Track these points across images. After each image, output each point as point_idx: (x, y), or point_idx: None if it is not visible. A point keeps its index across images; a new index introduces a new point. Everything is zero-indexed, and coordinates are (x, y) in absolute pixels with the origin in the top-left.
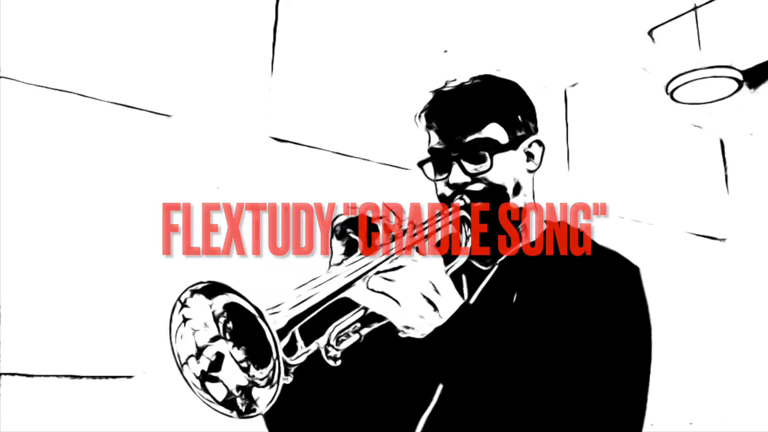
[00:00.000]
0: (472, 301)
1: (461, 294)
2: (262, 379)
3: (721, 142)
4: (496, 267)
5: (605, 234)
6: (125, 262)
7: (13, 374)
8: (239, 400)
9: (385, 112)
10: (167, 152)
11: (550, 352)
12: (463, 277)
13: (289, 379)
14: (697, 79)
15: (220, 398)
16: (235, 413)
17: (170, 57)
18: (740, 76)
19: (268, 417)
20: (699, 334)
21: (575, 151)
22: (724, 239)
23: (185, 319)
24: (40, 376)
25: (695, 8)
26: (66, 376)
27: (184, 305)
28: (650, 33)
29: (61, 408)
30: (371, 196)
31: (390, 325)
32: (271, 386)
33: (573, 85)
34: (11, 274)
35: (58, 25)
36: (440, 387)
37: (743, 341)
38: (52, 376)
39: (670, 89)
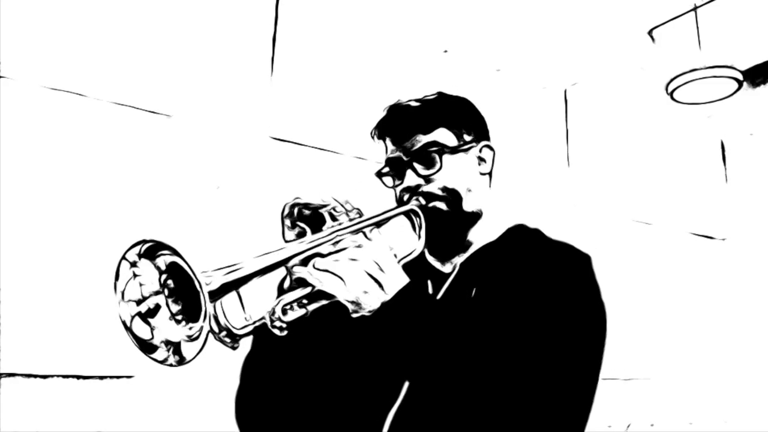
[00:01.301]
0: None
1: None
2: (192, 334)
3: (721, 142)
4: (457, 269)
5: (605, 234)
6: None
7: (13, 374)
8: (162, 349)
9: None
10: (167, 152)
11: (505, 342)
12: (429, 282)
13: (236, 346)
14: (697, 79)
15: (143, 338)
16: (165, 359)
17: (170, 57)
18: (740, 76)
19: (240, 414)
20: (699, 334)
21: (575, 151)
22: (724, 239)
23: (135, 275)
24: (40, 376)
25: (695, 8)
26: (66, 376)
27: (132, 264)
28: (650, 33)
29: (61, 408)
30: (371, 196)
31: (349, 316)
32: (199, 338)
33: (573, 85)
34: (11, 274)
35: (58, 25)
36: (407, 382)
37: (743, 341)
38: (53, 376)
39: (670, 89)
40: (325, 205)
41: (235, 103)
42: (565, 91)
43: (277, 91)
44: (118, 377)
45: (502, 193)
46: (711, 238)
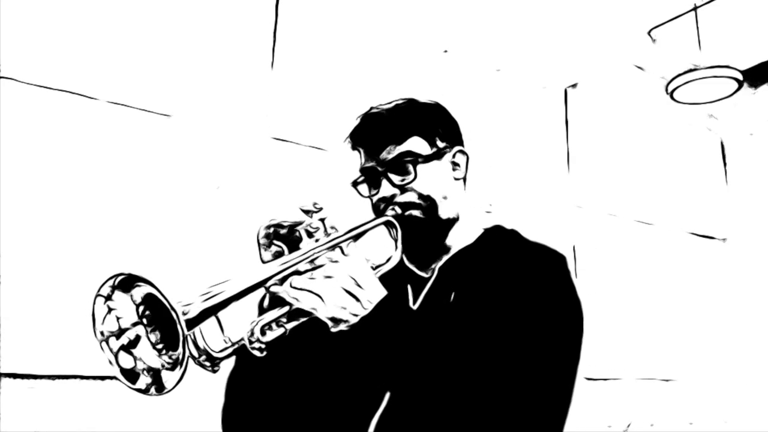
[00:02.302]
0: (415, 306)
1: (407, 302)
2: (172, 363)
3: (721, 142)
4: (435, 274)
5: (606, 234)
6: (125, 262)
7: (13, 375)
8: (143, 377)
9: None
10: (167, 152)
11: (483, 345)
12: (408, 287)
13: (217, 370)
14: (697, 79)
15: (127, 367)
16: (146, 388)
17: (170, 57)
18: (740, 76)
19: (225, 421)
20: (699, 334)
21: (575, 151)
22: (724, 239)
23: (110, 309)
24: (41, 376)
25: (695, 8)
26: (66, 376)
27: (107, 298)
28: (650, 33)
29: (61, 408)
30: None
31: (328, 329)
32: (180, 367)
33: (573, 85)
34: (11, 274)
35: (58, 25)
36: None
37: (743, 341)
38: (53, 376)
39: (670, 89)
40: (300, 223)
41: (235, 103)
42: (565, 91)
43: (278, 91)
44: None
45: (502, 193)
46: (711, 238)
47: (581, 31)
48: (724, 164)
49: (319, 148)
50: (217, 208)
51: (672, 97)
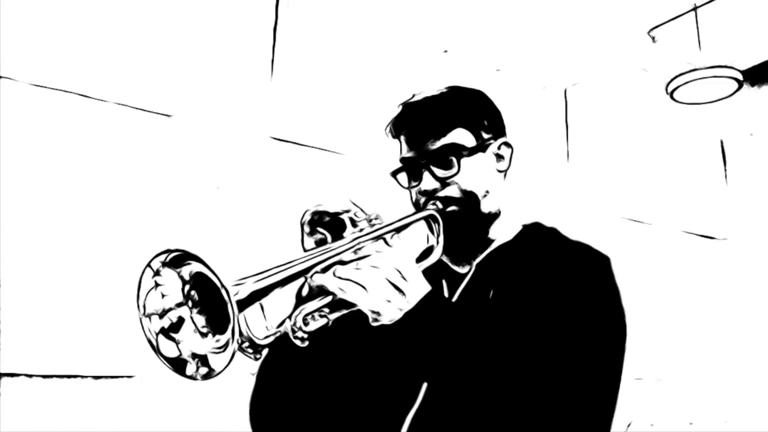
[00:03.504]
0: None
1: (447, 297)
2: (220, 347)
3: (721, 142)
4: (473, 269)
5: (606, 234)
6: (125, 261)
7: (13, 374)
8: (192, 365)
9: (385, 112)
10: (167, 152)
11: (525, 344)
12: (444, 282)
13: (259, 357)
14: (697, 79)
15: (171, 356)
16: (193, 374)
17: (170, 57)
18: (740, 76)
19: (256, 417)
20: (699, 334)
21: (575, 151)
22: (724, 239)
23: (156, 285)
24: (41, 376)
25: (695, 8)
26: (66, 376)
27: (156, 273)
28: (650, 33)
29: (61, 408)
30: (371, 196)
31: (365, 320)
32: (226, 350)
33: (573, 85)
34: (11, 274)
35: (58, 25)
36: (425, 385)
37: (743, 341)
38: (53, 376)
39: (670, 89)
40: (346, 211)
41: (235, 103)
42: (565, 91)
43: (277, 91)
44: (118, 377)
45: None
46: (711, 238)
47: (581, 31)
48: (724, 164)
49: (319, 148)
50: (217, 208)
51: (672, 97)
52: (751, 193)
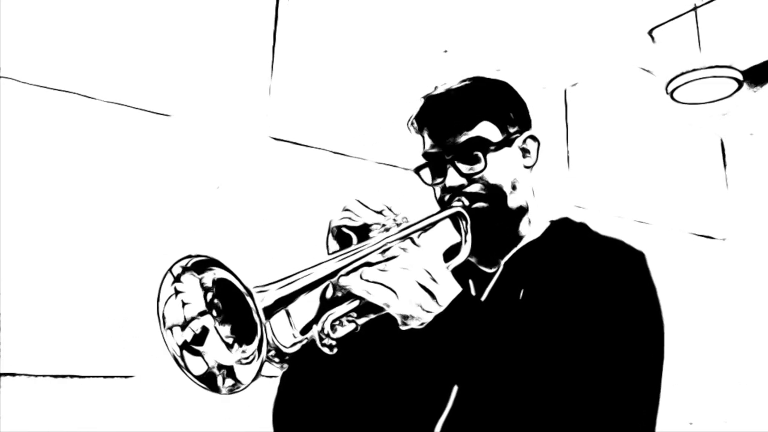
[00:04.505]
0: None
1: (477, 298)
2: (247, 357)
3: (721, 142)
4: (501, 268)
5: (605, 234)
6: (125, 261)
7: (13, 374)
8: (219, 378)
9: (385, 112)
10: (167, 152)
11: (560, 345)
12: (470, 281)
13: (285, 367)
14: (697, 79)
15: (198, 373)
16: (221, 388)
17: (170, 57)
18: (740, 76)
19: (280, 422)
20: (699, 334)
21: (575, 151)
22: (724, 239)
23: (177, 292)
24: (40, 376)
25: (695, 8)
26: (66, 376)
27: (176, 279)
28: (650, 33)
29: (61, 408)
30: (371, 196)
31: (393, 323)
32: (256, 361)
33: (573, 85)
34: (11, 274)
35: (58, 25)
36: (455, 388)
37: (743, 341)
38: (52, 376)
39: (670, 89)
40: (378, 212)
41: (235, 103)
42: (565, 91)
43: (277, 91)
44: (118, 377)
45: None
46: (711, 238)
47: (581, 31)
48: (724, 164)
49: (319, 148)
50: (216, 208)
51: (672, 97)
52: (750, 193)
